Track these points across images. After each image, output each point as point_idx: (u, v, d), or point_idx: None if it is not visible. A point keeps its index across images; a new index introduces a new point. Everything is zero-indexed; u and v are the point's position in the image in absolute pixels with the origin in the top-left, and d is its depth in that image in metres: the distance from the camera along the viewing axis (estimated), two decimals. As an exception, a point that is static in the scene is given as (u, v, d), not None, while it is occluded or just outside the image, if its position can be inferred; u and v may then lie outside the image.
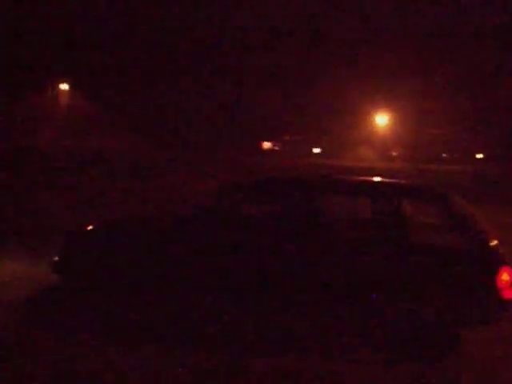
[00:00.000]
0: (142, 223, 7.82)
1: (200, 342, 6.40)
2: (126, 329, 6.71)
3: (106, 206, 15.80)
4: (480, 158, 66.95)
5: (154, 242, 7.09)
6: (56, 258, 7.41)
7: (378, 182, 7.77)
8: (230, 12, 61.46)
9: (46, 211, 14.54)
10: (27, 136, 39.84)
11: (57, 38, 48.73)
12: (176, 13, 58.86)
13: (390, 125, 65.61)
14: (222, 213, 7.11)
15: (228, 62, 60.62)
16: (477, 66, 53.25)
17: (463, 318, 6.46)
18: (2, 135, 38.61)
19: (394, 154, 67.38)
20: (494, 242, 6.54)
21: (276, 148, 73.55)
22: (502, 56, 51.91)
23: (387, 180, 8.02)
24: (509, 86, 52.13)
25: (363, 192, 7.23)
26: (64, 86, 49.78)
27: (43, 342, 6.23)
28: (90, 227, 7.67)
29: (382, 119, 65.79)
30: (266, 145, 74.81)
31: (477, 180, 33.44)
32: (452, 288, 6.40)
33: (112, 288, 7.03)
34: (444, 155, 72.69)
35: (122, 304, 7.06)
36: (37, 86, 46.53)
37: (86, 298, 7.14)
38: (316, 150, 70.49)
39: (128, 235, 7.29)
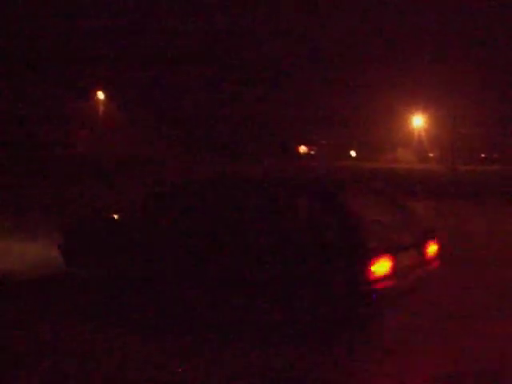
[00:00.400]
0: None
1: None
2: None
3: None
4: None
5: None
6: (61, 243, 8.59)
7: (267, 180, 8.33)
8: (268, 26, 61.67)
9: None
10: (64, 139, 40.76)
11: (100, 51, 49.76)
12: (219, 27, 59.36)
13: (426, 126, 65.02)
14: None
15: (267, 69, 60.92)
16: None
17: (331, 314, 6.67)
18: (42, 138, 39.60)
19: (431, 155, 66.74)
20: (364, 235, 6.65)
21: (312, 152, 73.57)
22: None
23: (280, 178, 8.78)
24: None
25: (256, 190, 7.82)
26: (100, 95, 50.78)
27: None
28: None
29: (418, 120, 65.23)
30: (303, 149, 74.89)
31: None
32: (318, 284, 6.65)
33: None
34: (483, 155, 71.72)
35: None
36: (77, 94, 47.57)
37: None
38: (353, 153, 70.32)
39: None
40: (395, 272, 6.62)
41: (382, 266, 6.50)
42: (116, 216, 8.77)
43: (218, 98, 57.67)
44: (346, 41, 60.95)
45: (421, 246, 7.38)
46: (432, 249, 7.62)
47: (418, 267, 7.23)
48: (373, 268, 6.44)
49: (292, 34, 60.63)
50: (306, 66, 61.36)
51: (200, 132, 55.44)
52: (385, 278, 6.52)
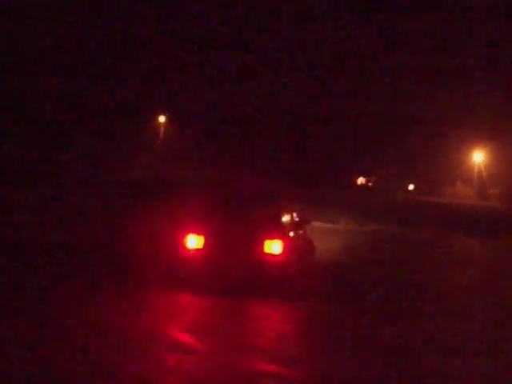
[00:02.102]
0: None
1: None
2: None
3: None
4: None
5: None
6: None
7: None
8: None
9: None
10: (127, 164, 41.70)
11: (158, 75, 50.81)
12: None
13: (488, 161, 63.94)
14: None
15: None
16: None
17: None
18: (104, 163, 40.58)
19: (491, 191, 65.45)
20: None
21: (370, 184, 72.99)
22: None
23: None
24: None
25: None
26: (162, 119, 51.95)
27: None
28: None
29: (479, 156, 64.26)
30: (361, 180, 74.38)
31: None
32: None
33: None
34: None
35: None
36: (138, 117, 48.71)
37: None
38: (411, 187, 69.52)
39: None
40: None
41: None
42: None
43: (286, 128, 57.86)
44: (409, 75, 60.60)
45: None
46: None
47: None
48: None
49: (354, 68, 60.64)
50: (368, 99, 61.16)
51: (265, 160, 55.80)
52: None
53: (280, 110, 56.25)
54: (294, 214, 12.19)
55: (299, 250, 11.41)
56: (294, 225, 11.83)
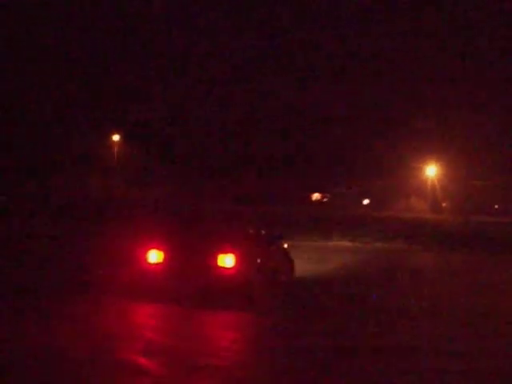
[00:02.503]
0: None
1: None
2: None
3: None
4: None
5: None
6: None
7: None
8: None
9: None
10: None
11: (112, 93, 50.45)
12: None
13: (439, 176, 65.08)
14: None
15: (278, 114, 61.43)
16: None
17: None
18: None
19: (444, 205, 66.49)
20: None
21: (325, 200, 73.48)
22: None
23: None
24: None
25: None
26: (116, 137, 51.32)
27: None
28: None
29: (431, 170, 65.36)
30: (316, 196, 74.83)
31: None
32: None
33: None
34: (496, 206, 71.25)
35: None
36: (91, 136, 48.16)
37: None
38: (365, 202, 70.14)
39: None
40: None
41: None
42: None
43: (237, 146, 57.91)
44: (362, 96, 61.49)
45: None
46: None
47: None
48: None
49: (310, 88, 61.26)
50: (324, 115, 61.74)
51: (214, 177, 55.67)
52: None
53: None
54: (262, 231, 13.03)
55: (263, 264, 12.04)
56: (260, 240, 12.59)
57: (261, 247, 12.41)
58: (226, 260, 11.14)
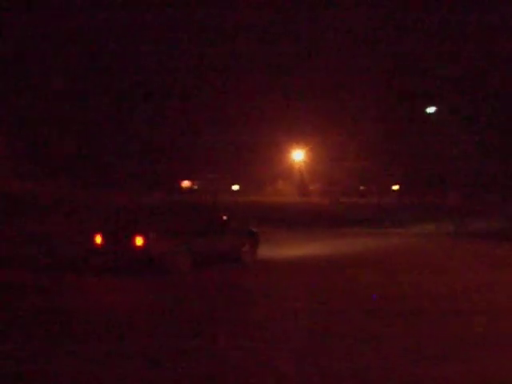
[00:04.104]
0: None
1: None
2: None
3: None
4: (395, 190, 67.83)
5: None
6: None
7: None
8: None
9: None
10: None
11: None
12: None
13: (306, 160, 65.77)
14: None
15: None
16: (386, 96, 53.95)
17: None
18: None
19: (312, 188, 67.45)
20: None
21: (195, 187, 72.63)
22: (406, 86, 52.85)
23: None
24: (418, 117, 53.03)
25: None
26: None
27: None
28: None
29: (298, 154, 65.93)
30: (185, 183, 73.83)
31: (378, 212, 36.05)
32: None
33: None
34: (362, 188, 73.28)
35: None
36: None
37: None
38: (235, 187, 69.87)
39: None
40: None
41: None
42: None
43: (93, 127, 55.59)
44: (227, 75, 60.80)
45: None
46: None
47: None
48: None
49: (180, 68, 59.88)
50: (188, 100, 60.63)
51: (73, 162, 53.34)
52: None
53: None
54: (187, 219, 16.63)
55: (190, 243, 15.83)
56: (190, 226, 16.31)
57: (190, 232, 16.10)
58: (137, 241, 14.87)
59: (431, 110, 49.57)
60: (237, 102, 61.45)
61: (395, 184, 69.10)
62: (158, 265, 15.02)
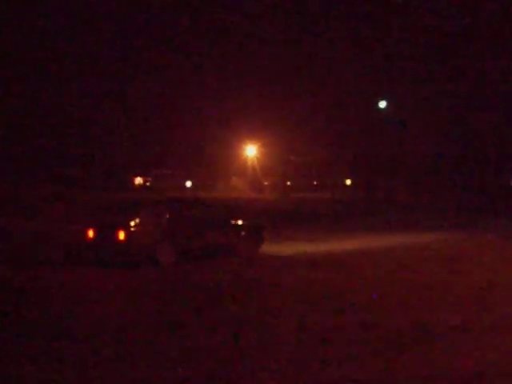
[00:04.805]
0: None
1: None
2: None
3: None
4: (348, 185, 68.24)
5: None
6: None
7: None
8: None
9: None
10: None
11: None
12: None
13: (259, 155, 65.68)
14: None
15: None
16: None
17: None
18: None
19: (266, 183, 67.38)
20: None
21: (147, 184, 71.76)
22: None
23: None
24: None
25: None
26: None
27: None
28: None
29: (251, 150, 65.77)
30: (138, 180, 72.96)
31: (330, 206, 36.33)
32: None
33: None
34: (315, 183, 73.49)
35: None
36: None
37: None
38: (188, 184, 69.27)
39: None
40: None
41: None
42: None
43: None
44: (179, 72, 60.33)
45: None
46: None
47: None
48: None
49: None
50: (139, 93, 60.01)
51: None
52: None
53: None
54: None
55: (181, 237, 16.86)
56: (178, 221, 17.17)
57: (180, 226, 16.96)
58: (120, 235, 15.93)
59: (382, 104, 49.70)
60: (189, 98, 61.09)
61: (347, 178, 69.58)
62: (141, 258, 15.98)
